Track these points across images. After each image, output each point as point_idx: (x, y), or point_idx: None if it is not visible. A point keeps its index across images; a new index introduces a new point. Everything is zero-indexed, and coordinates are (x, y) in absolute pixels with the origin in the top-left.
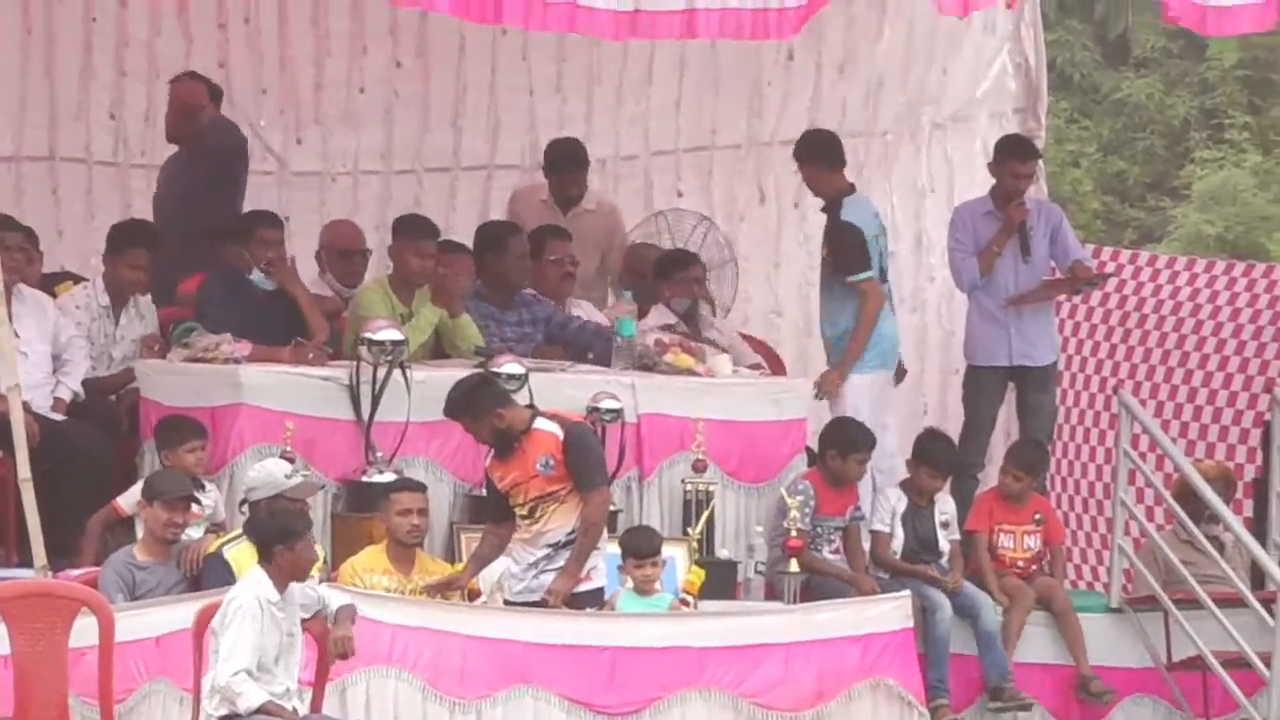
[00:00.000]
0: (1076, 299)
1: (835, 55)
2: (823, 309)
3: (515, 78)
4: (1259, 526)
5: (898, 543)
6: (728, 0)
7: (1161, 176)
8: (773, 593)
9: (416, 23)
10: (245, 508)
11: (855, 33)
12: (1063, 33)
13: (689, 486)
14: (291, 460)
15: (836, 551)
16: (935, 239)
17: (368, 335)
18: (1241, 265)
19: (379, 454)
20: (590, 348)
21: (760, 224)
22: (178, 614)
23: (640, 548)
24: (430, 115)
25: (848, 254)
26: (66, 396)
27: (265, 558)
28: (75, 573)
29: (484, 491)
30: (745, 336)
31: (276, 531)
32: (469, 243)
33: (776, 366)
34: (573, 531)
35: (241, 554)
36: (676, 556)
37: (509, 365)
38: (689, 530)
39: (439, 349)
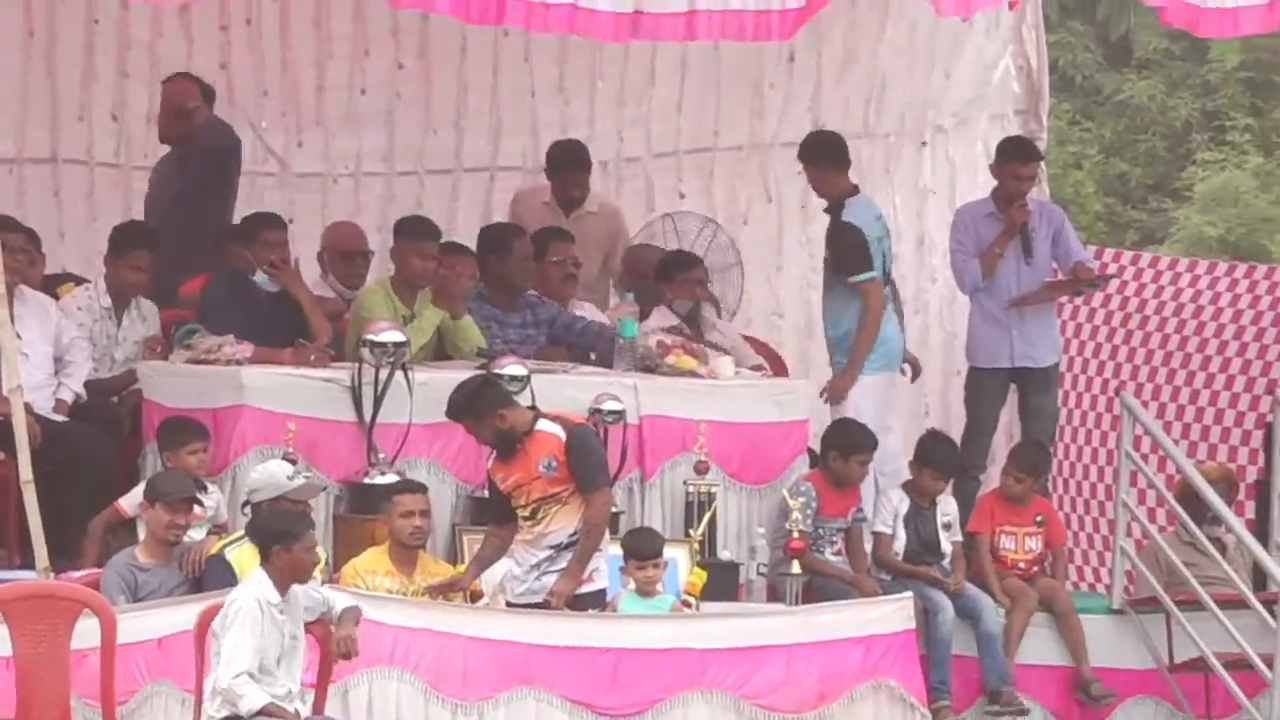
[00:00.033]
0: (1078, 300)
1: (837, 57)
2: (825, 310)
3: (517, 79)
4: (1261, 528)
5: (900, 544)
6: (729, 2)
7: (1163, 178)
8: (775, 594)
9: (418, 25)
10: (247, 509)
11: (857, 34)
12: (1065, 34)
13: (691, 488)
14: (293, 462)
15: (838, 553)
16: (937, 240)
17: (370, 337)
18: (1243, 267)
19: (381, 455)
20: (595, 349)
21: (762, 226)
22: (180, 616)
23: (642, 549)
24: (432, 117)
25: (848, 255)
26: (69, 398)
27: (265, 559)
28: (77, 574)
29: (486, 493)
30: (747, 338)
31: (274, 533)
32: (471, 244)
33: (778, 368)
34: (575, 533)
35: (243, 556)
36: (678, 558)
37: (511, 367)
38: (691, 532)
39: (441, 350)
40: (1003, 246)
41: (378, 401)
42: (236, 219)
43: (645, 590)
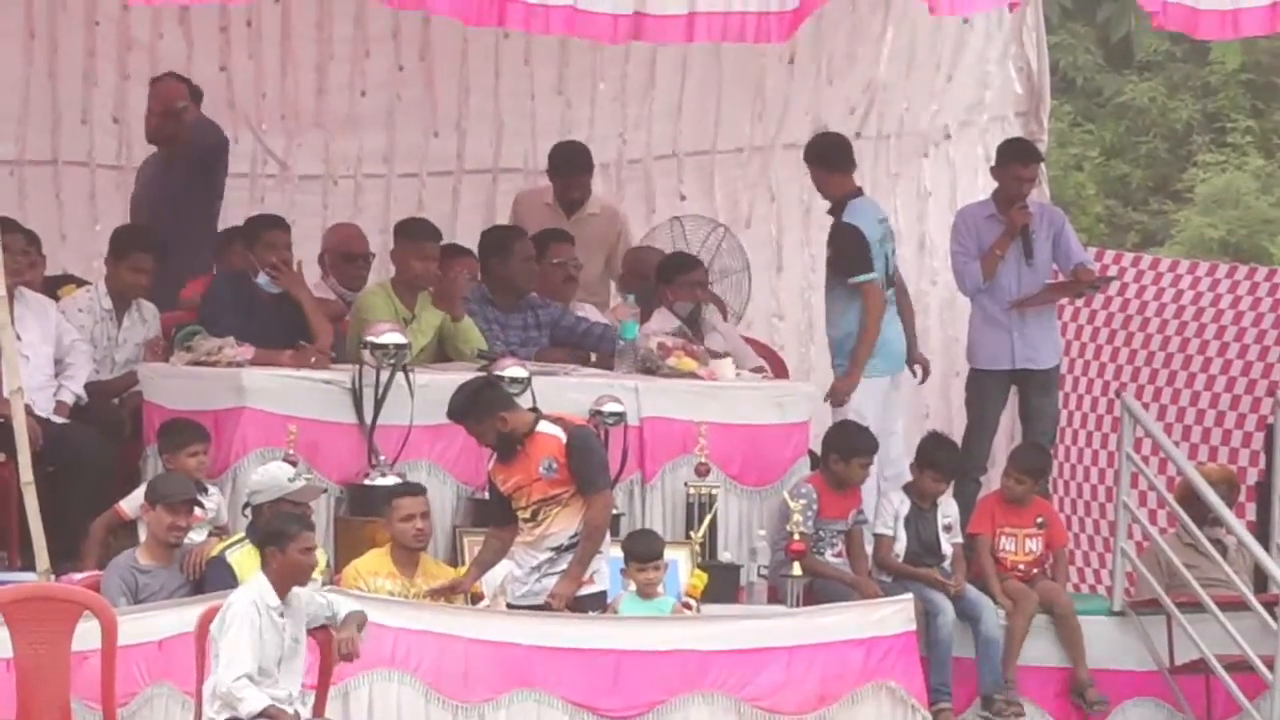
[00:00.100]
0: (1079, 302)
1: (838, 59)
2: (827, 311)
3: (517, 82)
4: (1262, 529)
5: (900, 546)
6: (730, 4)
7: (1164, 180)
8: (775, 596)
9: (419, 27)
10: (248, 511)
11: (858, 36)
12: (1065, 36)
13: (691, 490)
14: (294, 464)
15: (839, 555)
16: (938, 242)
17: (370, 338)
18: (1244, 268)
19: (382, 457)
20: (598, 350)
21: (762, 227)
22: (180, 617)
23: (642, 551)
24: (433, 119)
25: (848, 255)
26: (69, 400)
27: (262, 561)
28: (78, 576)
29: (487, 495)
30: (748, 339)
31: (268, 534)
32: (472, 246)
33: (779, 370)
34: (575, 535)
35: (244, 557)
36: (679, 560)
37: (512, 368)
38: (691, 534)
39: (441, 352)
40: (1003, 248)
41: (378, 403)
42: (237, 221)
43: (646, 592)
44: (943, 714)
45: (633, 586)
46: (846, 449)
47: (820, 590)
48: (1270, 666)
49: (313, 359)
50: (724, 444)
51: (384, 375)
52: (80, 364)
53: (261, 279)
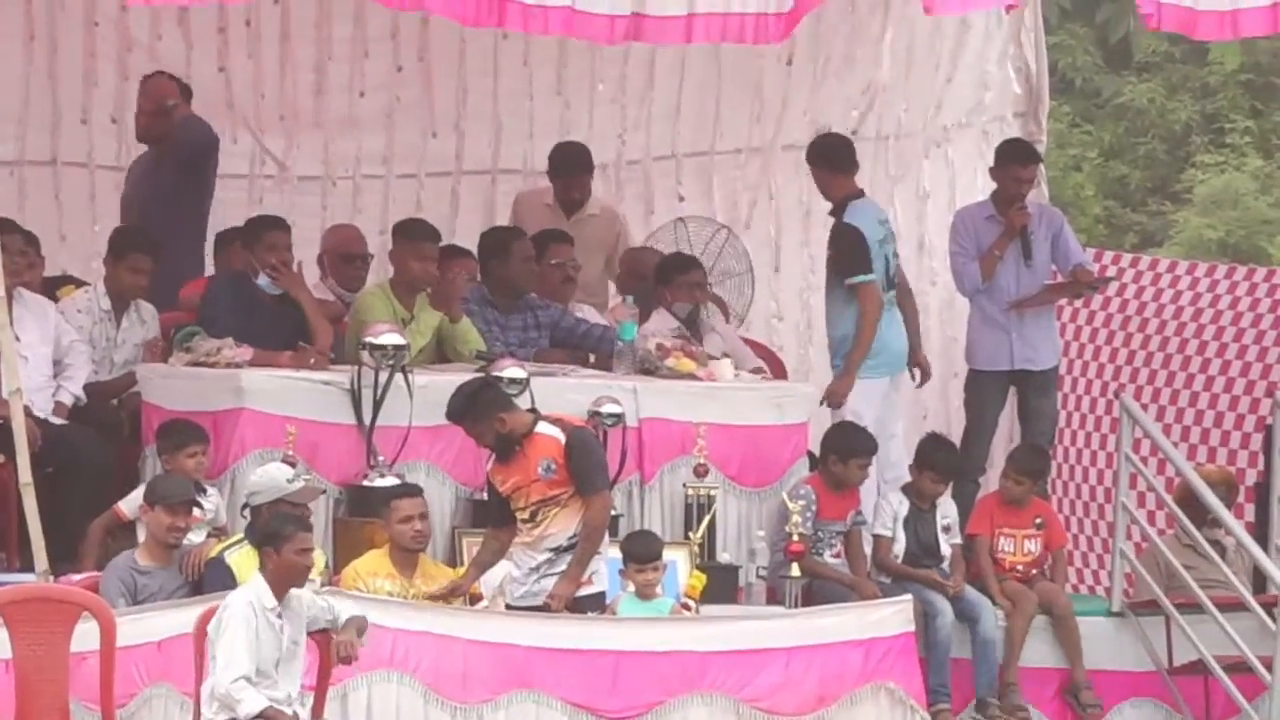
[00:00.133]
0: (1078, 303)
1: (836, 60)
2: (827, 311)
3: (516, 82)
4: (1260, 530)
5: (899, 547)
6: (728, 4)
7: (1163, 181)
8: (774, 597)
9: (417, 27)
10: (247, 512)
11: (857, 37)
12: (1064, 37)
13: (690, 491)
14: (293, 465)
15: (838, 556)
16: (937, 243)
17: (369, 339)
18: (1243, 269)
19: (381, 458)
20: (598, 351)
21: (761, 228)
22: (179, 618)
23: (641, 552)
24: (431, 120)
25: (846, 256)
26: (68, 401)
27: (260, 562)
28: (77, 577)
29: (485, 496)
30: (747, 340)
31: (264, 535)
32: (471, 247)
33: (778, 370)
34: (574, 536)
35: (243, 559)
36: (678, 561)
37: (510, 369)
38: (690, 535)
39: (440, 353)
40: (1002, 249)
41: (377, 404)
42: (237, 222)
43: (645, 593)
44: (941, 715)
45: (631, 587)
46: (845, 450)
47: (819, 591)
48: (1269, 667)
49: (312, 360)
50: (723, 445)
51: (383, 376)
52: (79, 365)
53: (262, 280)
